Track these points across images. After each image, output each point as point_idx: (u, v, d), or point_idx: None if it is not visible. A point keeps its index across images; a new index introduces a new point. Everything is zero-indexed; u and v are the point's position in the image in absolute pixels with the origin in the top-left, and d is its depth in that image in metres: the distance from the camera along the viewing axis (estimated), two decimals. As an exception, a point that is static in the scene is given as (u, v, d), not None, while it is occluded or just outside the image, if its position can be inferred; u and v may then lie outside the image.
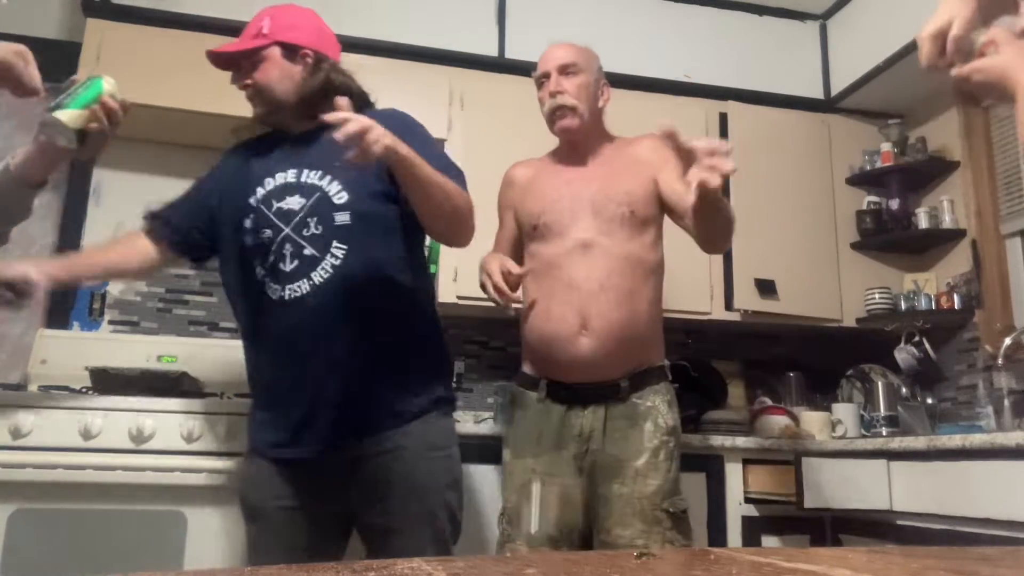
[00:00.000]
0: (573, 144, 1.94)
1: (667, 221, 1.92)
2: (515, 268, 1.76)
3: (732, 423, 2.56)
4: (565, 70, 1.88)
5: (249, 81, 1.62)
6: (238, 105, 2.40)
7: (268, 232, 1.54)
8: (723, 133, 2.87)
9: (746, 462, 2.30)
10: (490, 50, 2.82)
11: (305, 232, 1.52)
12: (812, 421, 2.55)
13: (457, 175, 1.60)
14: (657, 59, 2.94)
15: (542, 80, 1.92)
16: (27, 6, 2.76)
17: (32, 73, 1.28)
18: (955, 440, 1.88)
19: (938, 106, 2.96)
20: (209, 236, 1.67)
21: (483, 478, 2.07)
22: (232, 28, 2.50)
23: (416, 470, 1.54)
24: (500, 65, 2.80)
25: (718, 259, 2.78)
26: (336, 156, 1.42)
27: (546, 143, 2.01)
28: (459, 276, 2.49)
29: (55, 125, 1.35)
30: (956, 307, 2.79)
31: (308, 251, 1.51)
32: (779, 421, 2.54)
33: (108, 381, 2.07)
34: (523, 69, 2.48)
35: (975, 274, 2.76)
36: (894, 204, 2.95)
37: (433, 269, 2.48)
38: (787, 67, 3.10)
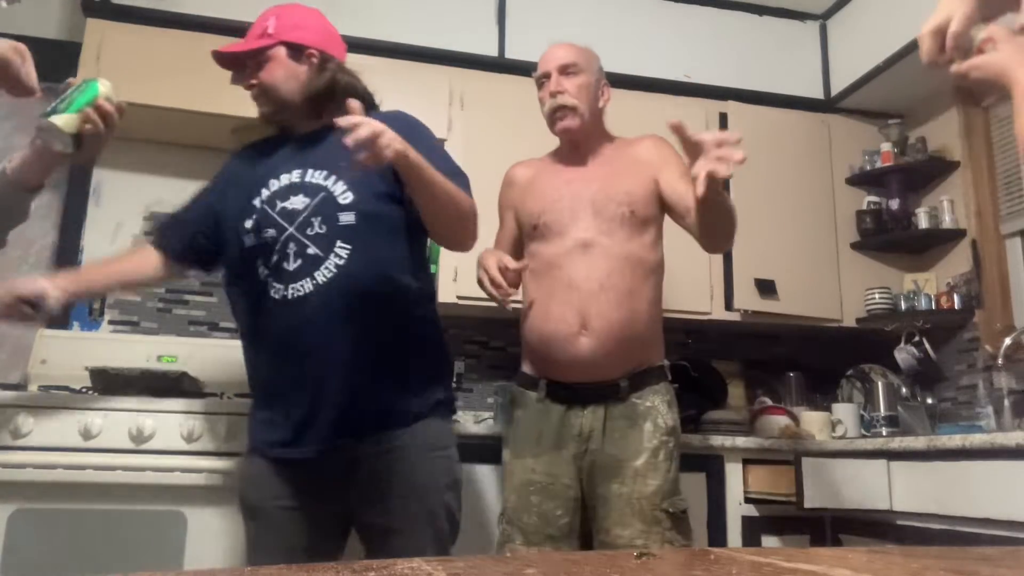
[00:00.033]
0: (573, 144, 1.94)
1: (667, 221, 1.92)
2: (512, 263, 1.76)
3: (732, 423, 2.56)
4: (566, 70, 1.88)
5: (254, 81, 1.63)
6: (238, 105, 2.40)
7: (272, 232, 1.54)
8: (723, 133, 2.87)
9: (746, 462, 2.30)
10: (490, 50, 2.82)
11: (309, 231, 1.52)
12: (812, 421, 2.55)
13: (462, 180, 1.61)
14: (657, 59, 2.94)
15: (542, 80, 1.92)
16: (27, 6, 2.76)
17: (29, 71, 1.28)
18: (955, 440, 1.88)
19: (938, 106, 2.96)
20: (215, 241, 1.67)
21: (483, 478, 2.07)
22: (232, 28, 2.51)
23: (416, 471, 1.54)
24: (500, 65, 2.80)
25: (718, 259, 2.78)
26: (341, 156, 1.42)
27: (546, 143, 2.02)
28: (459, 276, 2.49)
29: (51, 129, 1.35)
30: (956, 307, 2.79)
31: (312, 250, 1.51)
32: (779, 421, 2.54)
33: (108, 381, 2.07)
34: (523, 69, 2.48)
35: (975, 274, 2.76)
36: (894, 204, 2.95)
37: (433, 269, 2.48)
38: (787, 67, 3.10)
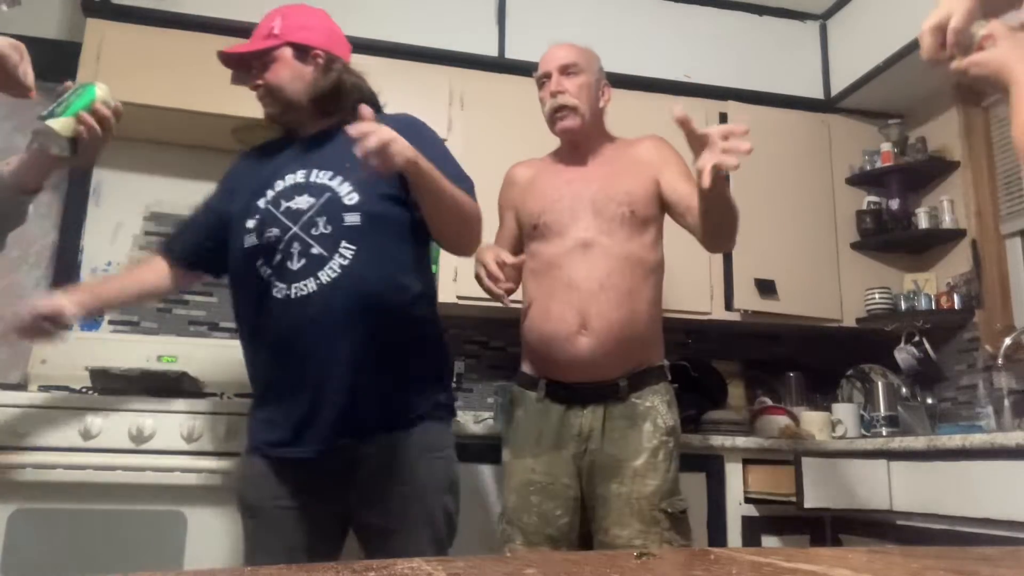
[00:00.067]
0: (574, 144, 1.94)
1: (667, 221, 1.92)
2: (510, 258, 1.77)
3: (732, 423, 2.56)
4: (566, 70, 1.88)
5: (260, 81, 1.63)
6: (238, 105, 2.42)
7: (276, 231, 1.54)
8: (723, 133, 2.87)
9: (746, 462, 2.30)
10: (490, 50, 2.82)
11: (313, 231, 1.52)
12: (812, 421, 2.55)
13: (467, 184, 1.62)
14: (657, 59, 2.94)
15: (543, 80, 1.92)
16: (27, 6, 2.76)
17: (26, 70, 1.27)
18: (955, 440, 1.88)
19: (938, 106, 2.96)
20: (222, 244, 1.67)
21: (483, 478, 2.07)
22: (233, 28, 2.51)
23: (415, 472, 1.54)
24: (500, 65, 2.80)
25: (718, 259, 2.78)
26: (347, 157, 1.43)
27: (546, 143, 2.02)
28: (459, 276, 2.49)
29: (48, 133, 1.34)
30: (956, 307, 2.79)
31: (316, 250, 1.51)
32: (779, 421, 2.54)
33: (108, 381, 2.07)
34: (523, 69, 2.48)
35: (975, 274, 2.76)
36: (894, 204, 2.95)
37: (433, 269, 2.48)
38: (787, 67, 3.10)
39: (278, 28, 1.63)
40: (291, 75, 1.62)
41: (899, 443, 2.08)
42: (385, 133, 1.38)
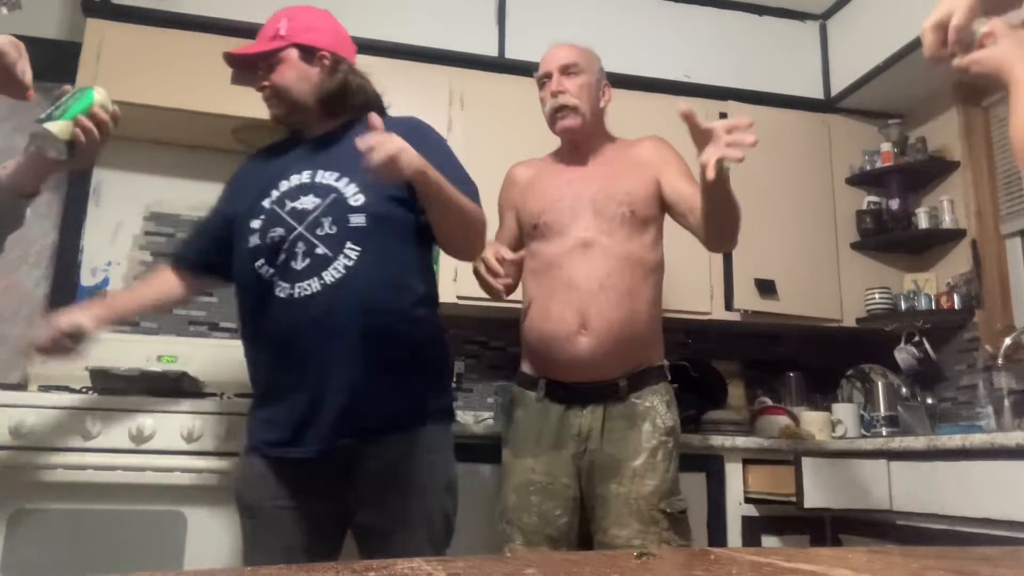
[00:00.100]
0: (574, 144, 1.94)
1: (667, 221, 1.92)
2: (509, 254, 1.77)
3: (732, 423, 2.56)
4: (567, 70, 1.89)
5: (266, 83, 1.63)
6: (238, 105, 2.42)
7: (280, 231, 1.54)
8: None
9: (746, 462, 2.30)
10: (490, 50, 2.82)
11: (319, 231, 1.53)
12: (812, 421, 2.55)
13: (471, 188, 1.62)
14: (657, 59, 2.94)
15: (544, 80, 1.92)
16: (27, 6, 2.76)
17: (24, 68, 1.27)
18: (955, 440, 1.88)
19: (938, 106, 2.96)
20: (230, 247, 1.67)
21: (483, 478, 2.07)
22: (233, 28, 2.51)
23: (414, 473, 1.54)
24: (500, 65, 2.80)
25: (718, 259, 2.78)
26: (353, 158, 1.43)
27: (546, 143, 2.02)
28: (459, 276, 2.49)
29: (45, 136, 1.34)
30: (956, 307, 2.79)
31: (320, 250, 1.51)
32: (779, 421, 2.54)
33: (108, 381, 2.06)
34: (523, 69, 2.48)
35: (975, 274, 2.76)
36: (894, 204, 2.95)
37: (434, 269, 2.48)
38: (787, 67, 3.10)
39: (284, 29, 1.63)
40: (297, 76, 1.62)
41: (899, 443, 2.08)
42: (393, 145, 1.39)
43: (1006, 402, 2.41)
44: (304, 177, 1.59)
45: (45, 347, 1.59)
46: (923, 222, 2.90)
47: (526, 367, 1.90)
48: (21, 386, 2.34)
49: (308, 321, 1.50)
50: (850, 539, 2.20)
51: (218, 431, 1.93)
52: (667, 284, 1.94)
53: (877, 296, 2.88)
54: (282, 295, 1.52)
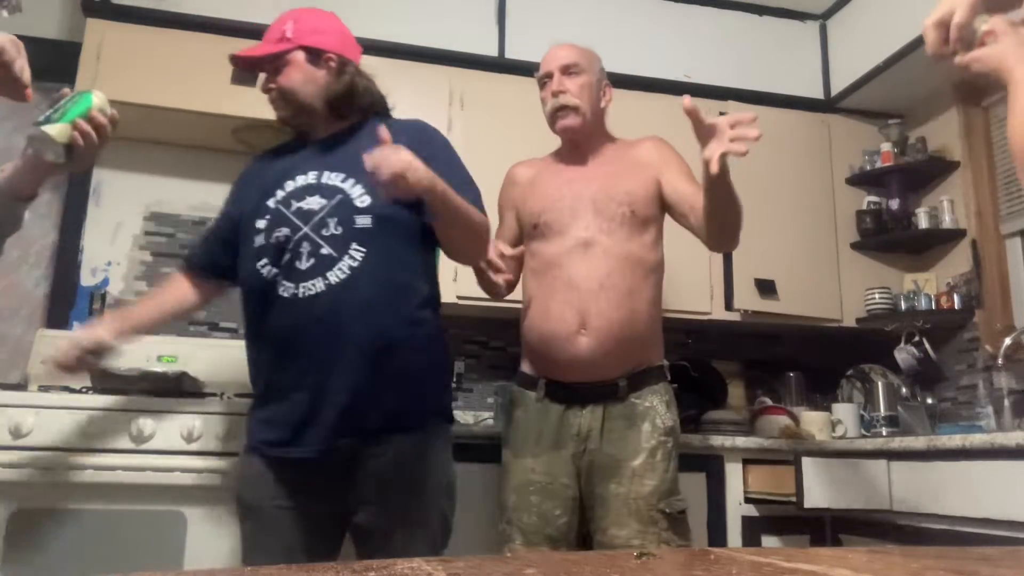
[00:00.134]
0: (574, 144, 1.94)
1: (667, 221, 1.92)
2: (508, 250, 1.78)
3: (732, 423, 2.56)
4: (568, 70, 1.89)
5: (273, 85, 1.63)
6: (238, 105, 2.42)
7: (285, 231, 1.54)
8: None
9: (746, 462, 2.30)
10: (490, 50, 2.82)
11: (324, 232, 1.53)
12: (812, 421, 2.55)
13: (475, 192, 1.63)
14: (657, 59, 2.94)
15: (545, 80, 1.92)
16: (27, 6, 2.76)
17: (23, 65, 1.27)
18: (955, 440, 1.88)
19: (938, 106, 2.96)
20: (238, 249, 1.68)
21: (483, 478, 2.07)
22: (233, 28, 2.52)
23: (413, 474, 1.54)
24: (500, 65, 2.80)
25: (718, 259, 2.78)
26: (359, 160, 1.45)
27: (546, 143, 2.02)
28: (459, 276, 2.49)
29: (43, 139, 1.34)
30: (956, 307, 2.79)
31: (325, 250, 1.52)
32: (779, 421, 2.54)
33: (108, 381, 2.06)
34: (523, 69, 2.48)
35: (975, 274, 2.76)
36: (894, 204, 2.95)
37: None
38: (787, 67, 3.10)
39: (290, 32, 1.63)
40: (304, 79, 1.62)
41: (899, 443, 2.08)
42: (400, 161, 1.40)
43: (1006, 402, 2.41)
44: (310, 178, 1.59)
45: (69, 365, 1.60)
46: (923, 222, 2.90)
47: (526, 367, 1.90)
48: (21, 386, 2.33)
49: (312, 321, 1.50)
50: (850, 539, 2.20)
51: (218, 431, 1.93)
52: (667, 284, 1.94)
53: (877, 296, 2.88)
54: (286, 295, 1.52)
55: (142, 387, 2.03)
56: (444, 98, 2.70)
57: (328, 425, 1.50)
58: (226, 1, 2.58)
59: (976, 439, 1.84)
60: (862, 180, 3.04)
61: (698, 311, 2.76)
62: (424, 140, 1.57)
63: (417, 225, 1.59)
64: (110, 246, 2.71)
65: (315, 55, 1.63)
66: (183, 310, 1.79)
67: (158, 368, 2.29)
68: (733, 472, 2.29)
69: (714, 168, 1.50)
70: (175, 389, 2.09)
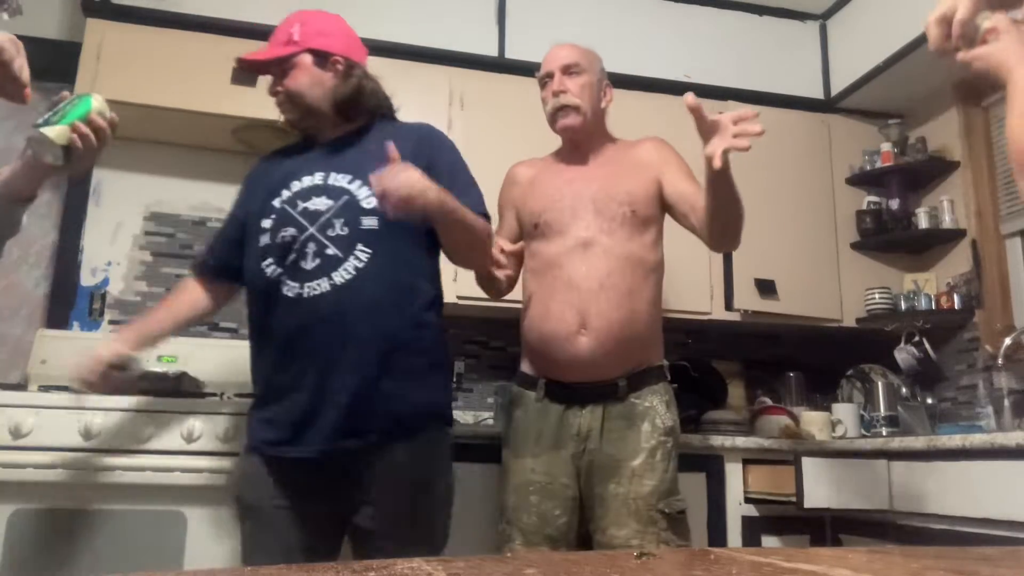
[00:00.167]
0: (575, 143, 1.94)
1: (668, 221, 1.92)
2: (508, 246, 1.78)
3: (732, 423, 2.56)
4: (568, 70, 1.89)
5: (280, 88, 1.63)
6: (238, 105, 2.42)
7: (292, 231, 1.55)
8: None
9: (746, 462, 2.30)
10: (490, 50, 2.82)
11: (330, 232, 1.53)
12: (812, 421, 2.55)
13: (478, 197, 1.65)
14: (657, 59, 2.94)
15: (545, 80, 1.92)
16: (27, 6, 2.76)
17: (22, 64, 1.26)
18: (955, 440, 1.88)
19: (938, 106, 2.96)
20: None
21: (483, 478, 2.07)
22: (233, 28, 2.52)
23: (413, 477, 1.54)
24: (500, 65, 2.80)
25: (718, 259, 2.78)
26: (365, 162, 1.47)
27: (546, 143, 2.02)
28: (459, 276, 2.49)
29: (42, 141, 1.34)
30: (956, 307, 2.79)
31: (331, 251, 1.52)
32: (779, 421, 2.54)
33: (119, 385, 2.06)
34: (523, 69, 2.48)
35: (975, 274, 2.76)
36: (894, 204, 2.95)
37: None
38: (787, 67, 3.10)
39: (297, 34, 1.63)
40: (311, 81, 1.63)
41: (899, 443, 2.08)
42: (408, 185, 1.41)
43: (1006, 402, 2.41)
44: (317, 179, 1.60)
45: (96, 384, 1.62)
46: (923, 222, 2.90)
47: (526, 367, 1.90)
48: (21, 386, 2.34)
49: (316, 321, 1.50)
50: (850, 539, 2.20)
51: (218, 431, 1.93)
52: (667, 284, 1.94)
53: (877, 296, 2.88)
54: (290, 294, 1.52)
55: (142, 387, 2.03)
56: (444, 98, 2.70)
57: (329, 425, 1.50)
58: (226, 1, 2.58)
59: (976, 439, 1.84)
60: (862, 180, 3.04)
61: (698, 311, 2.76)
62: (432, 145, 1.59)
63: (422, 227, 1.59)
64: (110, 246, 2.71)
65: (322, 58, 1.63)
66: (196, 316, 1.79)
67: (158, 368, 2.30)
68: (733, 472, 2.29)
69: (717, 163, 1.51)
70: (175, 389, 2.09)
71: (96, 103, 1.38)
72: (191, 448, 1.90)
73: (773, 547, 2.00)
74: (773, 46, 3.10)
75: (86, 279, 2.66)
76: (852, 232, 2.99)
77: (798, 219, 2.93)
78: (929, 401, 2.82)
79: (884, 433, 2.62)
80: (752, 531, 2.25)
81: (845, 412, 2.67)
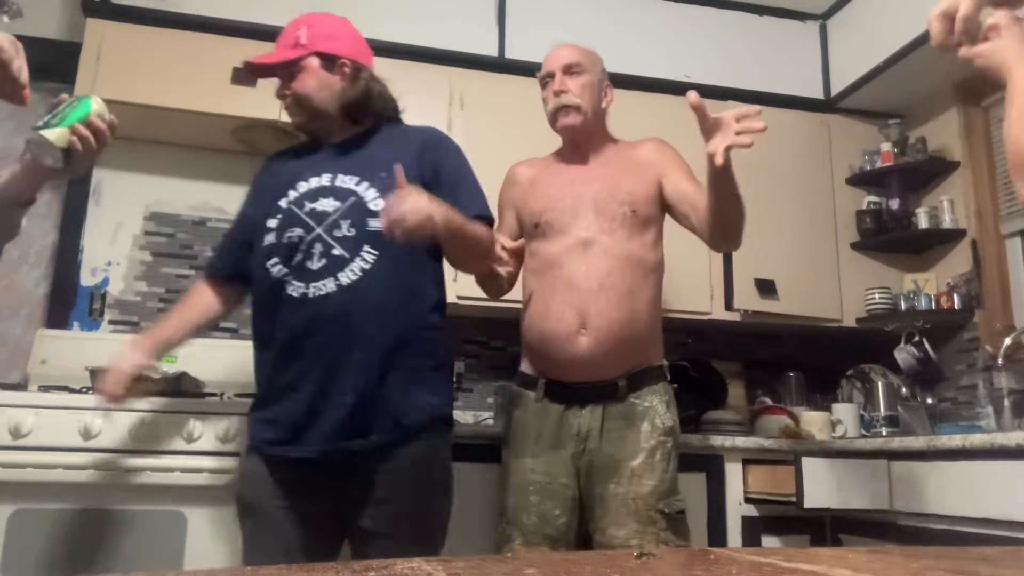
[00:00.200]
0: (575, 143, 1.94)
1: (668, 221, 1.92)
2: (509, 243, 1.79)
3: (732, 423, 2.56)
4: (569, 70, 1.89)
5: (287, 91, 1.64)
6: (238, 105, 2.42)
7: (298, 231, 1.55)
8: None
9: (746, 462, 2.30)
10: (490, 50, 2.82)
11: (336, 233, 1.54)
12: (812, 421, 2.55)
13: (481, 201, 1.66)
14: (657, 59, 2.94)
15: (546, 80, 1.92)
16: (27, 6, 2.76)
17: (21, 65, 1.26)
18: (955, 440, 1.88)
19: (938, 106, 2.96)
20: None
21: (483, 478, 2.07)
22: (233, 28, 2.52)
23: (412, 478, 1.54)
24: (500, 65, 2.80)
25: (718, 259, 2.78)
26: (372, 164, 1.48)
27: (546, 143, 2.02)
28: (459, 276, 2.48)
29: (42, 143, 1.34)
30: (956, 307, 2.79)
31: (337, 251, 1.53)
32: (779, 421, 2.54)
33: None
34: (523, 69, 2.48)
35: (975, 274, 2.76)
36: (894, 204, 2.95)
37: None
38: (787, 67, 3.10)
39: (304, 38, 1.63)
40: (319, 84, 1.63)
41: (899, 443, 2.08)
42: (413, 213, 1.40)
43: (1006, 402, 2.41)
44: (324, 180, 1.60)
45: (119, 397, 1.62)
46: (923, 222, 2.90)
47: (526, 367, 1.90)
48: (21, 386, 2.34)
49: (321, 321, 1.50)
50: (850, 539, 2.20)
51: (218, 431, 1.93)
52: (667, 284, 1.94)
53: (877, 296, 2.88)
54: (295, 294, 1.53)
55: (142, 387, 2.03)
56: (444, 98, 2.70)
57: (331, 426, 1.50)
58: (226, 1, 2.58)
59: (976, 439, 1.84)
60: (862, 180, 3.04)
61: (698, 311, 2.76)
62: (435, 147, 1.59)
63: None
64: (110, 246, 2.71)
65: (330, 61, 1.64)
66: (208, 321, 1.78)
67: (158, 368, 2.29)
68: (733, 472, 2.29)
69: (719, 160, 1.51)
70: (175, 389, 2.09)
71: (95, 105, 1.38)
72: (191, 448, 1.90)
73: (773, 547, 2.00)
74: (773, 46, 3.10)
75: (86, 279, 2.66)
76: (852, 232, 2.99)
77: (798, 219, 2.93)
78: (929, 401, 2.82)
79: (884, 433, 2.62)
80: (752, 531, 2.25)
81: (845, 412, 2.67)
